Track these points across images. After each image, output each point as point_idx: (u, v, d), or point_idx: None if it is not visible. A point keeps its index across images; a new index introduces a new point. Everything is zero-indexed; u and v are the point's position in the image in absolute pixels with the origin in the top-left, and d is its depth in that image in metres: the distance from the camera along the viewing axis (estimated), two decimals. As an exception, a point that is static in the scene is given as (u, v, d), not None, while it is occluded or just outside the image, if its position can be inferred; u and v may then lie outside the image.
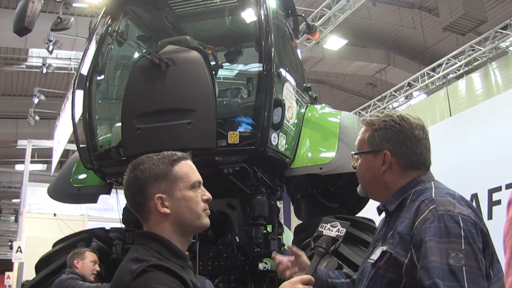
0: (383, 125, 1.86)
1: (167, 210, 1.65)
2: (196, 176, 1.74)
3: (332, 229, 1.95)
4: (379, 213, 1.97)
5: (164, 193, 1.66)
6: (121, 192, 4.61)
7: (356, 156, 1.94)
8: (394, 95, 14.28)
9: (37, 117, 15.51)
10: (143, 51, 4.37)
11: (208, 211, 1.74)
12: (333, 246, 1.94)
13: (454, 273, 1.50)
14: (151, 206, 1.66)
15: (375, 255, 1.77)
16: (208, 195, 1.75)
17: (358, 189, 1.98)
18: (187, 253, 1.72)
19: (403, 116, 1.89)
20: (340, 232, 1.94)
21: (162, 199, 1.66)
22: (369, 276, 1.76)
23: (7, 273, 15.89)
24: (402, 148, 1.83)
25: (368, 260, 1.84)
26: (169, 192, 1.67)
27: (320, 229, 1.97)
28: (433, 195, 1.70)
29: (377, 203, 1.96)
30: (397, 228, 1.72)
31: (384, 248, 1.73)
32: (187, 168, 1.73)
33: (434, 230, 1.58)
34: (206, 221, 1.73)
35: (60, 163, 15.82)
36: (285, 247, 4.62)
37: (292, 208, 6.44)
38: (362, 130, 1.94)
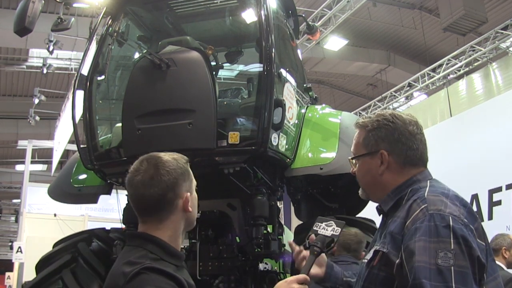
0: (377, 125, 1.84)
1: (191, 208, 1.73)
2: None
3: (327, 228, 1.93)
4: (379, 214, 1.96)
5: (188, 191, 1.73)
6: (121, 193, 4.65)
7: (354, 160, 1.92)
8: (395, 95, 14.28)
9: (37, 118, 15.50)
10: (144, 52, 4.37)
11: None
12: (329, 245, 1.92)
13: (441, 273, 1.49)
14: (179, 204, 1.69)
15: (369, 255, 1.78)
16: None
17: (360, 192, 1.96)
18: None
19: (395, 114, 1.87)
20: (336, 232, 1.92)
21: (187, 197, 1.72)
22: (364, 276, 1.76)
23: (7, 273, 15.89)
24: (398, 145, 1.81)
25: (363, 260, 1.84)
26: (190, 191, 1.74)
27: (315, 228, 1.95)
28: (425, 194, 1.68)
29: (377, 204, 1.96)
30: (389, 227, 1.72)
31: (377, 247, 1.72)
32: None
33: (423, 229, 1.56)
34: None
35: (61, 163, 15.80)
36: (285, 247, 4.63)
37: (292, 208, 6.44)
38: (357, 134, 1.92)
